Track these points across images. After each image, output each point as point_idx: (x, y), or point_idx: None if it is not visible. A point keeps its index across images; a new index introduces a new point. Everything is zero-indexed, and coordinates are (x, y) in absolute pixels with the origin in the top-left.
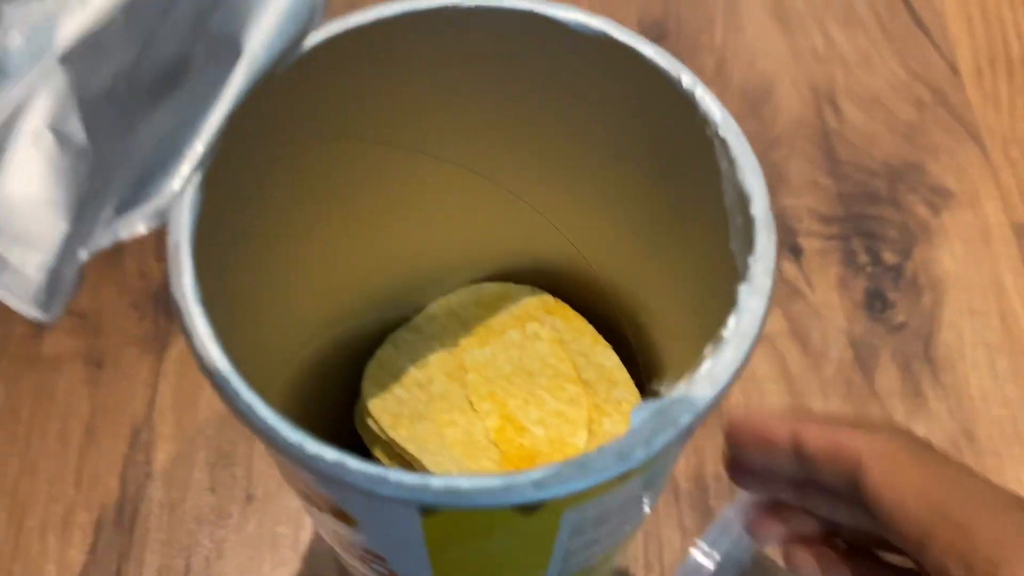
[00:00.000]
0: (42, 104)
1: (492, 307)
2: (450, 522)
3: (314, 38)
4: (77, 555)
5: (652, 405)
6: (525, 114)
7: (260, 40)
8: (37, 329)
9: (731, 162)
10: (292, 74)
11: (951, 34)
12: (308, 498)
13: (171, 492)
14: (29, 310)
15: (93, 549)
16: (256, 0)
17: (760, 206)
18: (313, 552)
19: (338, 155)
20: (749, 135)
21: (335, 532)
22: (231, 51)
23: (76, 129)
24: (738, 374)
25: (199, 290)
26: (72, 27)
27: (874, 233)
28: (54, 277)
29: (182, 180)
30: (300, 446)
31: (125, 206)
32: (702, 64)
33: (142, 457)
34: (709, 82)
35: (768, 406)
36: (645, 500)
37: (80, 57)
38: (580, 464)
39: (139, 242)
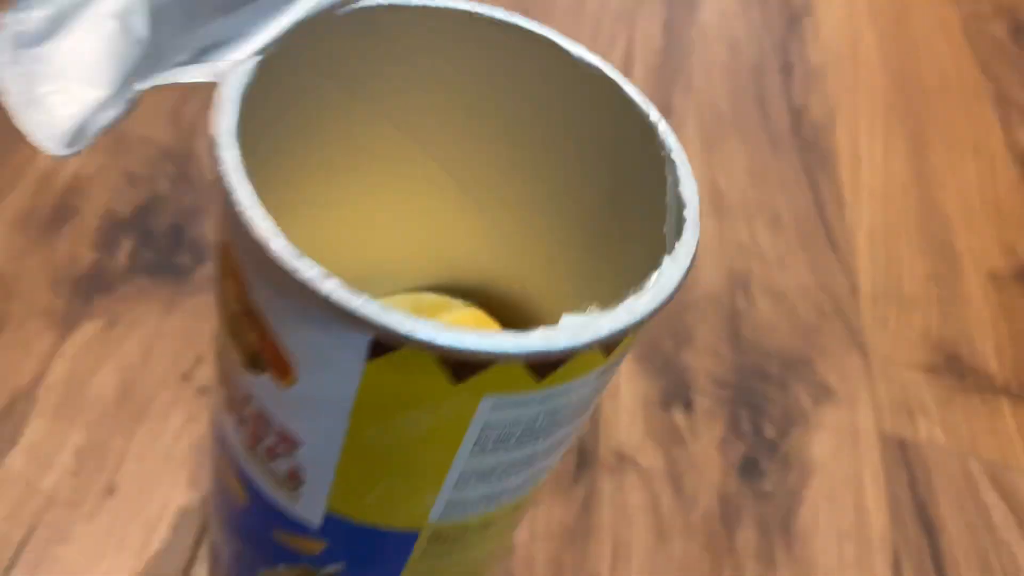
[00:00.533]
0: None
1: (428, 315)
2: (388, 372)
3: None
4: None
5: (573, 317)
6: (504, 122)
7: None
8: None
9: (676, 178)
10: (339, 23)
11: (857, 261)
12: (252, 352)
13: (30, 466)
14: (50, 147)
15: None
16: None
17: (692, 211)
18: (160, 554)
19: (338, 129)
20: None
21: (254, 412)
22: None
23: (140, 24)
24: (654, 314)
25: (238, 133)
26: None
27: (759, 407)
28: (80, 128)
29: (244, 54)
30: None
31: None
32: None
33: (10, 427)
34: None
35: (635, 533)
36: (545, 444)
37: None
38: (512, 336)
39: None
